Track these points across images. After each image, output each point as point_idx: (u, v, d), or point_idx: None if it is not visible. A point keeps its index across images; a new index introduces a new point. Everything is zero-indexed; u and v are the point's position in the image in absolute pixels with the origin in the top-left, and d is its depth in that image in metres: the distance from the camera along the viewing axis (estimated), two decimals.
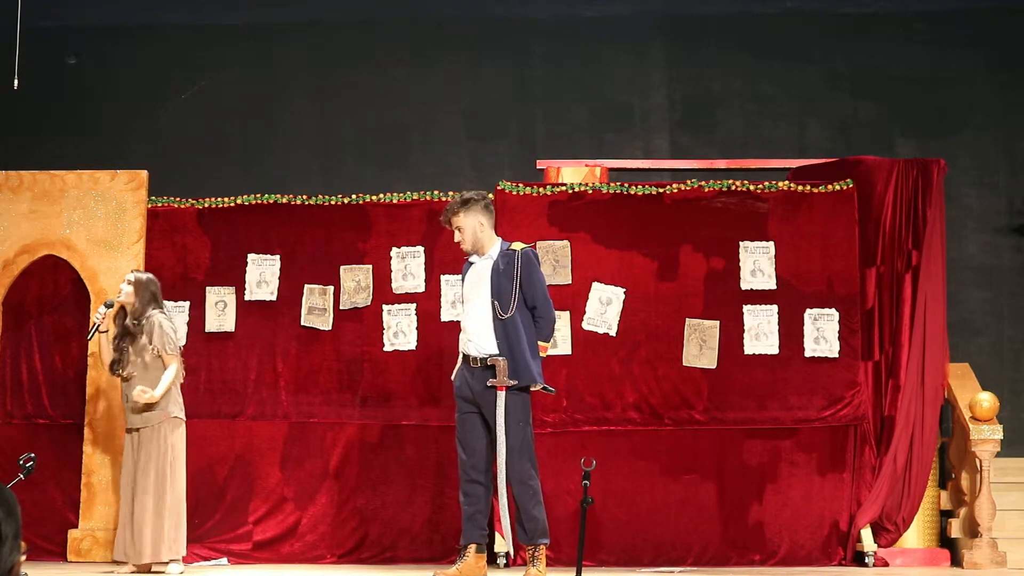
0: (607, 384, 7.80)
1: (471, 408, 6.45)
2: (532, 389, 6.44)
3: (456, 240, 6.59)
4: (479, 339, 6.42)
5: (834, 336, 7.81)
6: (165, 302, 7.42)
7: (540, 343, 6.48)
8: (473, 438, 6.45)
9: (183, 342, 7.73)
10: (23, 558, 2.66)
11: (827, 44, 9.86)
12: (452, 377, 6.64)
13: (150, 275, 7.30)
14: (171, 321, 7.28)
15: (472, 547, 6.44)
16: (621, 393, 7.80)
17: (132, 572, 7.08)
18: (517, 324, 6.39)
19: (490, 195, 7.32)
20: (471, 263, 6.60)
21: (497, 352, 6.36)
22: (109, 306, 7.23)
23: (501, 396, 6.30)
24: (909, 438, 7.76)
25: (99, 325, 7.23)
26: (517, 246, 6.54)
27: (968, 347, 9.08)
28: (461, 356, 6.55)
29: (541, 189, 8.09)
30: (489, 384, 6.32)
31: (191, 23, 9.96)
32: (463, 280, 6.64)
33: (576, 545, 5.54)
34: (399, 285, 8.03)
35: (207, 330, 7.99)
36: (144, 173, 8.15)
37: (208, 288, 8.08)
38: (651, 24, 9.95)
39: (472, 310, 6.48)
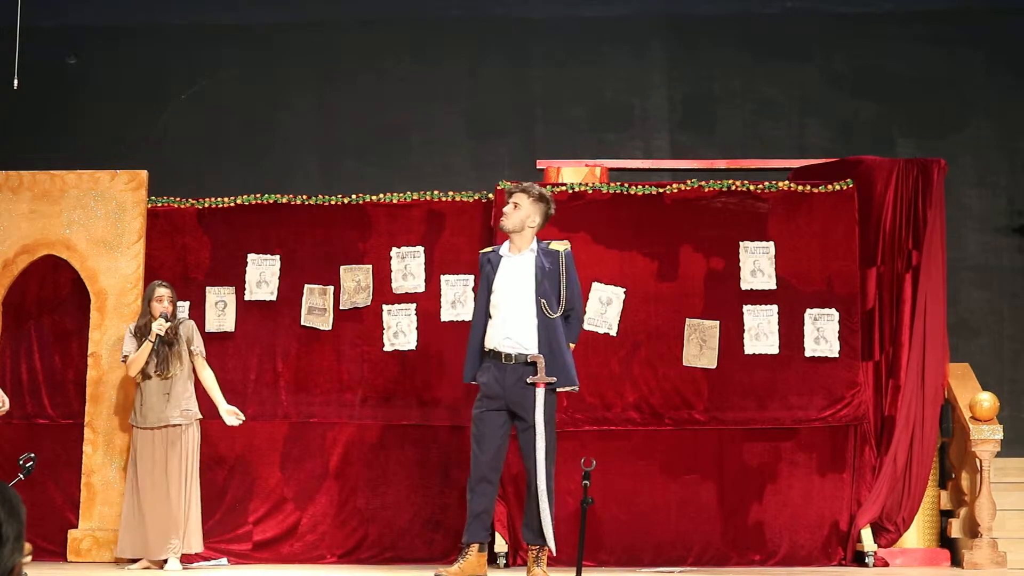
0: (607, 384, 7.80)
1: (496, 405, 6.35)
2: (560, 390, 6.41)
3: (504, 212, 6.48)
4: (520, 337, 6.31)
5: (834, 336, 7.81)
6: None
7: (569, 343, 6.45)
8: (492, 436, 6.36)
9: None
10: (28, 559, 2.66)
11: (827, 44, 9.84)
12: (472, 376, 6.47)
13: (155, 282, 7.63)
14: None
15: (475, 546, 6.41)
16: (621, 393, 7.80)
17: (145, 568, 7.17)
18: (559, 324, 6.35)
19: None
20: (500, 256, 6.48)
21: (537, 351, 6.29)
22: (168, 320, 7.40)
23: (540, 393, 6.22)
24: (909, 438, 7.76)
25: (161, 334, 7.38)
26: (557, 246, 6.49)
27: (968, 347, 9.06)
28: (484, 353, 6.40)
29: None
30: (529, 381, 6.24)
31: (191, 23, 9.94)
32: (494, 273, 6.44)
33: (576, 545, 5.55)
34: (399, 285, 8.03)
35: (207, 330, 7.99)
36: (144, 173, 8.15)
37: (208, 288, 8.09)
38: (651, 24, 9.93)
39: (511, 306, 6.34)
